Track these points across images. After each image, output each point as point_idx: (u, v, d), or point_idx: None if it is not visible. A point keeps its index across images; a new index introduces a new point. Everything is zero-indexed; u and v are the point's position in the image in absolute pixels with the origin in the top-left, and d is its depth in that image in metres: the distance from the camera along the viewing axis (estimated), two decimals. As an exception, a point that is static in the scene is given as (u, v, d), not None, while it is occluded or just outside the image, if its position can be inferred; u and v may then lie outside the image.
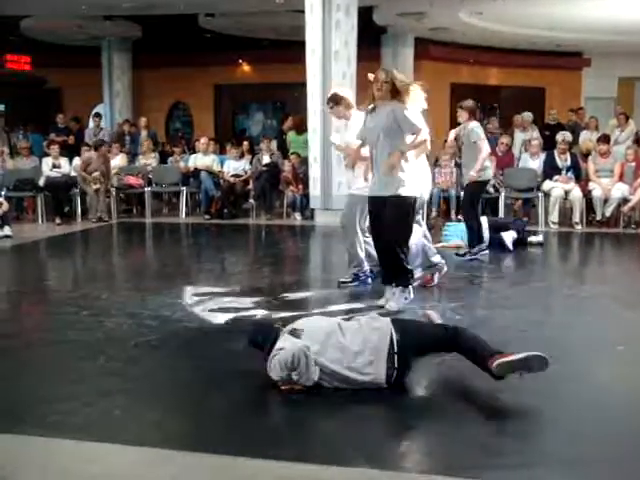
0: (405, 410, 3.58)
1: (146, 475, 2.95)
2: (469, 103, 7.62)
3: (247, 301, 5.71)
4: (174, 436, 3.29)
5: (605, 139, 10.55)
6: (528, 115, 12.65)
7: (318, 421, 3.51)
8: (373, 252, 5.81)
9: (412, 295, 5.40)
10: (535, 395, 3.72)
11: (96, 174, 10.94)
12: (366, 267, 6.17)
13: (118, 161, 11.97)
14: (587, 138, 12.32)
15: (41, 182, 11.06)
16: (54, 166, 11.21)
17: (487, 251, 7.68)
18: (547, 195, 10.04)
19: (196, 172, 11.53)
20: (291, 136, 12.20)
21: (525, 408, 3.55)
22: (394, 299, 5.32)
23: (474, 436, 3.27)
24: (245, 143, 12.39)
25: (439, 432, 3.37)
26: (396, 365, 3.69)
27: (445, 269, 6.25)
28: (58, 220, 10.64)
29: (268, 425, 3.42)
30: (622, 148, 11.16)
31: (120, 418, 3.50)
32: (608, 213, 9.94)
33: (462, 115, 7.54)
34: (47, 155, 11.58)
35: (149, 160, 12.21)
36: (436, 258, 6.16)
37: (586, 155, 11.20)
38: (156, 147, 13.38)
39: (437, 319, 4.44)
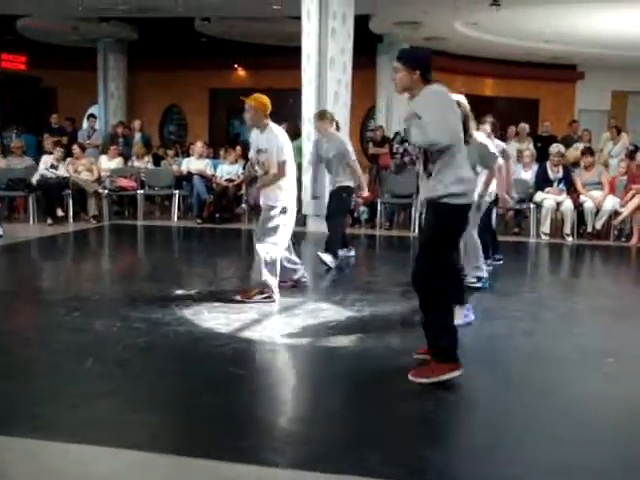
0: (395, 417, 3.58)
1: (135, 479, 2.94)
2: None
3: (237, 305, 5.70)
4: (162, 439, 3.28)
5: (589, 152, 10.56)
6: (522, 127, 12.66)
7: (313, 424, 3.51)
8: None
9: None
10: (523, 405, 3.74)
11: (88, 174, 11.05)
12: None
13: (113, 163, 11.94)
14: (574, 148, 12.33)
15: (34, 180, 10.98)
16: (52, 166, 11.14)
17: None
18: (539, 206, 10.07)
19: (189, 176, 11.52)
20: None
21: (513, 418, 3.56)
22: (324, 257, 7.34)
23: (462, 445, 3.27)
24: (238, 148, 12.38)
25: (427, 440, 3.37)
26: None
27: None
28: (50, 221, 10.59)
29: (257, 429, 3.41)
30: (616, 161, 11.21)
31: (108, 420, 3.48)
32: (599, 225, 9.98)
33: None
34: (49, 153, 11.47)
35: (143, 164, 12.18)
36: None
37: (574, 164, 11.18)
38: (149, 150, 13.36)
39: None
